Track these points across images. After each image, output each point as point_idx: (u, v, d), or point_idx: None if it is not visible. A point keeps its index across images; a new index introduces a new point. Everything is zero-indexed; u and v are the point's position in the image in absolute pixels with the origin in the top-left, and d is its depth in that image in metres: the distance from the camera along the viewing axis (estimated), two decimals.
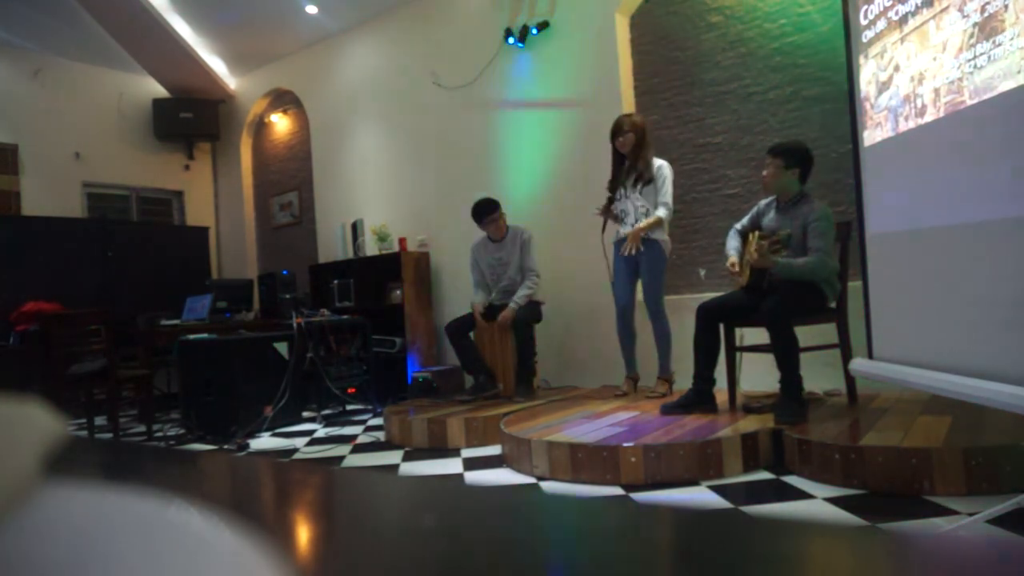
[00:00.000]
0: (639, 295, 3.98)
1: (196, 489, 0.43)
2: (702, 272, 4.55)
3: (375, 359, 5.13)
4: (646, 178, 3.83)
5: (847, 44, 2.80)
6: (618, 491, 2.64)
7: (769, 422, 2.94)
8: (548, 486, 2.80)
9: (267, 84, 7.36)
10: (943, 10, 2.12)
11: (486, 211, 4.42)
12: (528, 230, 4.49)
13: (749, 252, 3.25)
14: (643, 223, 3.80)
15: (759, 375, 3.78)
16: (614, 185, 4.00)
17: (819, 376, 3.56)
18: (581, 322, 4.85)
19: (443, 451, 3.57)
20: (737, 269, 3.34)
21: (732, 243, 3.47)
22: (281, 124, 7.42)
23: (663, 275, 3.90)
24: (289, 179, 7.33)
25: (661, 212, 3.80)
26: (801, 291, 3.09)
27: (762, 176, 3.31)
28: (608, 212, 4.05)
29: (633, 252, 3.82)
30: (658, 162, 3.87)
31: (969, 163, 2.04)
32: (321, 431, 4.33)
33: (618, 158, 3.96)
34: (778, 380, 3.06)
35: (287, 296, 5.68)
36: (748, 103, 4.34)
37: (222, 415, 4.26)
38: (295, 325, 4.62)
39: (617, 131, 3.90)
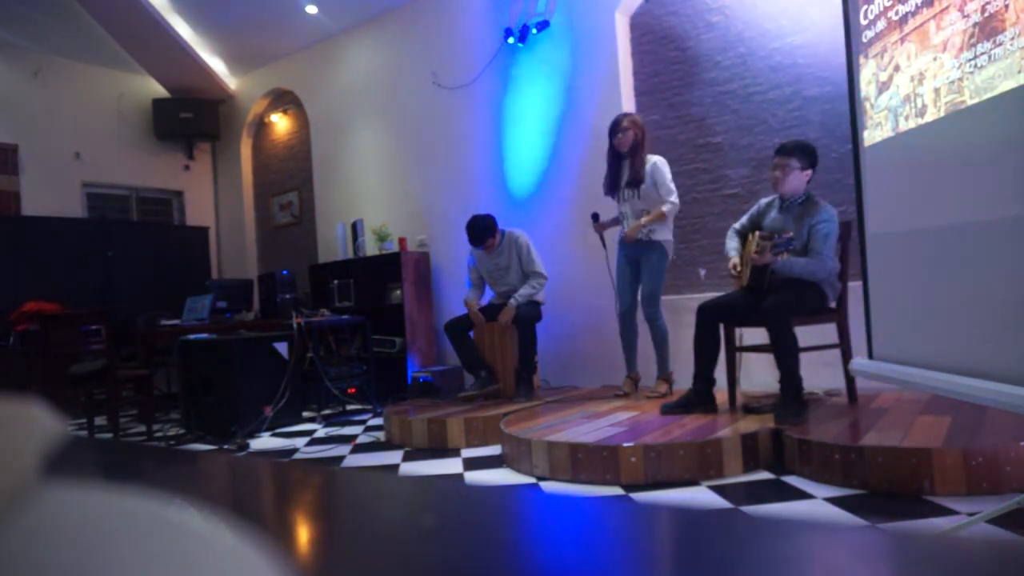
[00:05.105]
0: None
1: (196, 489, 0.43)
2: (702, 272, 4.55)
3: (375, 359, 5.13)
4: (640, 176, 3.81)
5: (847, 44, 2.79)
6: (618, 491, 2.65)
7: (769, 422, 2.94)
8: (548, 486, 2.80)
9: (267, 84, 7.36)
10: (943, 10, 2.12)
11: (489, 234, 4.30)
12: (523, 234, 4.39)
13: (749, 251, 3.24)
14: (645, 219, 3.78)
15: (759, 375, 3.78)
16: (611, 185, 3.98)
17: (819, 376, 3.56)
18: (581, 322, 4.85)
19: (443, 451, 3.57)
20: (738, 271, 3.33)
21: (731, 243, 3.45)
22: (281, 124, 7.42)
23: (663, 279, 3.88)
24: (289, 179, 7.33)
25: (666, 208, 3.76)
26: (801, 290, 3.09)
27: (774, 176, 3.22)
28: (601, 226, 4.06)
29: (636, 237, 3.80)
30: (651, 159, 3.84)
31: (969, 163, 2.04)
32: (321, 431, 4.33)
33: (614, 157, 3.93)
34: (778, 380, 3.06)
35: (287, 296, 5.69)
36: (748, 103, 4.34)
37: (222, 415, 4.26)
38: (295, 325, 4.62)
39: (615, 128, 3.87)
